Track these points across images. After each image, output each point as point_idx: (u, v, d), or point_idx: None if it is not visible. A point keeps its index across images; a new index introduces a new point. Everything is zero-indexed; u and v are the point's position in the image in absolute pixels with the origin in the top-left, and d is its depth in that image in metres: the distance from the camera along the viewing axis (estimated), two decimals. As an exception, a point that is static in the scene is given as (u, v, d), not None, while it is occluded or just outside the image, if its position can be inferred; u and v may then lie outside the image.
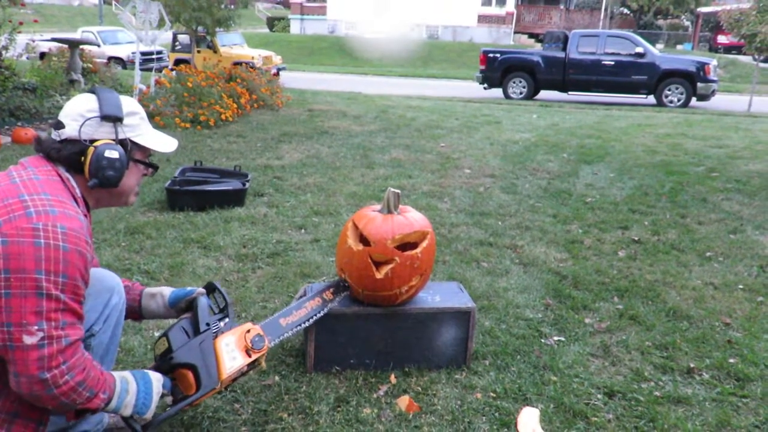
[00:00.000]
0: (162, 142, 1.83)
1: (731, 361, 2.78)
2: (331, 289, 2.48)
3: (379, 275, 2.44)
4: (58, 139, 1.66)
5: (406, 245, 2.48)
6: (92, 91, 1.74)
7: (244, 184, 4.88)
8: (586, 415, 2.35)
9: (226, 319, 1.94)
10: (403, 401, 2.37)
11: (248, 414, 2.26)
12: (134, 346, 2.66)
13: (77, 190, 1.68)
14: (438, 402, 2.39)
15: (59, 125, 1.67)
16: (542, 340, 2.91)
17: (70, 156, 1.65)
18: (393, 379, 2.52)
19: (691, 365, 2.72)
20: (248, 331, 1.93)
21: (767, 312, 3.31)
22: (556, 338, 2.94)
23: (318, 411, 2.29)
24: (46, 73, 9.73)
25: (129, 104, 1.76)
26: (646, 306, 3.33)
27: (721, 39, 29.08)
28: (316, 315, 2.33)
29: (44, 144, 1.67)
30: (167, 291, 2.05)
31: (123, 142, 1.72)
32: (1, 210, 1.48)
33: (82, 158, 1.66)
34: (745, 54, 17.31)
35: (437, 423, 2.27)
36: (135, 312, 2.06)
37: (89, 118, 1.66)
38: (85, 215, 1.67)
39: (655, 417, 2.34)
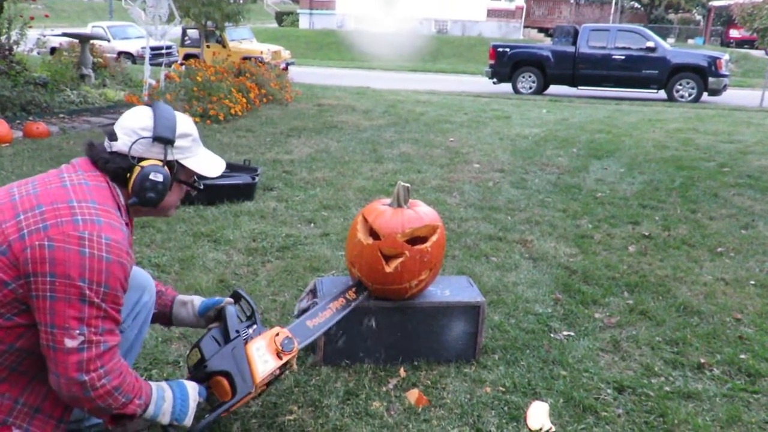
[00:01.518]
0: (209, 166, 1.85)
1: (742, 356, 2.76)
2: (353, 289, 2.50)
3: (388, 269, 2.44)
4: (108, 149, 1.69)
5: (415, 239, 2.49)
6: (151, 106, 1.77)
7: (253, 179, 4.89)
8: (596, 409, 2.34)
9: (255, 326, 1.98)
10: (413, 395, 2.37)
11: (258, 407, 2.27)
12: (145, 339, 2.67)
13: (122, 199, 1.70)
14: (447, 396, 2.40)
15: (113, 137, 1.70)
16: (552, 335, 2.91)
17: (117, 170, 1.68)
18: (402, 372, 2.53)
19: (702, 360, 2.71)
20: (277, 334, 1.97)
21: (779, 308, 3.29)
22: (565, 333, 2.93)
23: (328, 404, 2.30)
24: (57, 67, 9.77)
25: (183, 126, 1.78)
26: (657, 301, 3.31)
27: (733, 33, 28.82)
28: (340, 315, 2.36)
29: (95, 151, 1.69)
30: (198, 300, 2.10)
31: (170, 164, 1.75)
32: (51, 213, 1.52)
33: (128, 174, 1.69)
34: (757, 48, 17.17)
35: (446, 416, 2.27)
36: (165, 317, 2.10)
37: (142, 138, 1.69)
38: (127, 224, 1.70)
39: (665, 412, 2.34)
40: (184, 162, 1.78)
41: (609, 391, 2.48)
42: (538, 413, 2.31)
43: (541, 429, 2.22)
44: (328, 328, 2.28)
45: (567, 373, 2.59)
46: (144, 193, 1.69)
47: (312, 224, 4.33)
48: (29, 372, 1.62)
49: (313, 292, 2.64)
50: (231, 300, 2.07)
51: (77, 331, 1.49)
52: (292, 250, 3.82)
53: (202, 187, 1.91)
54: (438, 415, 2.28)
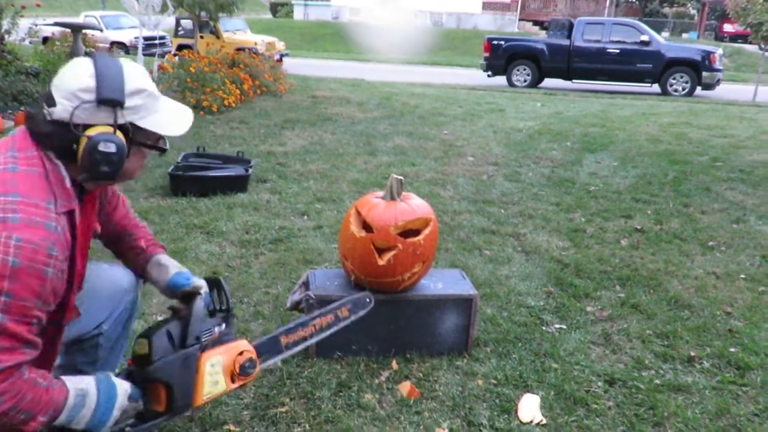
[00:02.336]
0: (171, 124, 1.59)
1: (732, 350, 2.78)
2: (349, 306, 2.26)
3: (381, 262, 2.45)
4: (48, 118, 1.44)
5: (408, 232, 2.49)
6: (92, 60, 1.48)
7: (247, 170, 4.88)
8: (587, 402, 2.36)
9: (223, 326, 1.74)
10: (405, 387, 2.38)
11: (250, 398, 2.27)
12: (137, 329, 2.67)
13: (67, 180, 1.47)
14: (439, 388, 2.41)
15: (50, 102, 1.44)
16: (543, 328, 2.92)
17: (60, 143, 1.45)
18: (395, 365, 2.54)
19: (692, 354, 2.73)
20: (241, 353, 1.71)
21: (769, 302, 3.31)
22: (557, 326, 2.95)
23: (320, 396, 2.31)
24: (49, 57, 9.69)
25: (134, 80, 1.50)
26: (648, 295, 3.33)
27: (727, 28, 28.89)
28: (323, 334, 2.10)
29: (34, 123, 1.46)
30: (172, 270, 1.84)
31: (123, 127, 1.49)
32: None
33: (75, 146, 1.45)
34: (751, 43, 17.18)
35: (438, 409, 2.28)
36: (139, 271, 1.91)
37: (84, 102, 1.43)
38: (87, 202, 1.54)
39: (655, 405, 2.35)
40: (140, 123, 1.52)
41: (600, 383, 2.50)
42: (530, 406, 2.33)
43: (532, 421, 2.24)
44: (301, 345, 2.01)
45: (558, 365, 2.60)
46: (95, 167, 1.45)
47: (305, 217, 4.33)
48: None
49: (306, 285, 2.64)
50: (204, 285, 1.80)
51: None
52: (286, 242, 3.81)
53: (167, 146, 1.66)
54: (430, 407, 2.29)
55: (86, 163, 1.46)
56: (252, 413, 2.19)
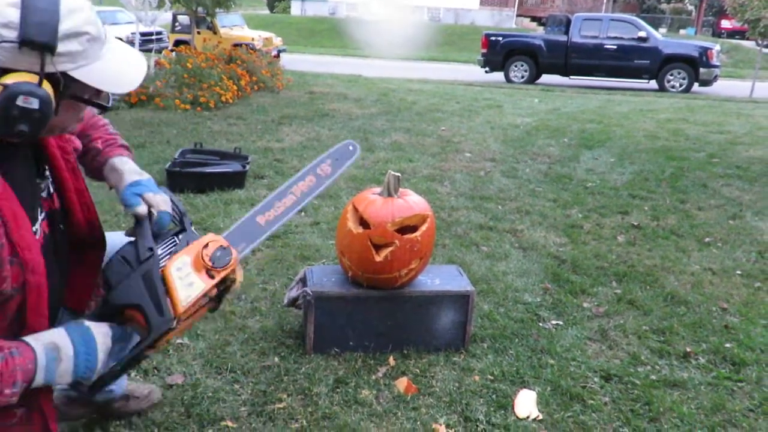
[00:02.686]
0: (116, 77, 1.30)
1: (727, 345, 2.80)
2: (329, 161, 1.95)
3: (378, 258, 2.45)
4: None
5: (405, 228, 2.49)
6: None
7: (244, 167, 4.88)
8: (583, 397, 2.37)
9: (182, 234, 1.57)
10: (402, 383, 2.39)
11: (248, 394, 2.28)
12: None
13: None
14: (436, 384, 2.41)
15: None
16: (540, 324, 2.93)
17: None
18: (392, 361, 2.54)
19: (688, 350, 2.74)
20: (206, 246, 1.50)
21: (764, 297, 3.32)
22: (554, 322, 2.96)
23: (317, 392, 2.31)
24: (45, 53, 9.66)
25: (73, 17, 1.20)
26: (644, 291, 3.34)
27: (725, 24, 28.91)
28: (306, 200, 1.82)
29: None
30: (126, 180, 1.58)
31: (53, 77, 1.21)
32: None
33: None
34: (748, 39, 17.20)
35: (435, 405, 2.29)
36: (99, 177, 1.66)
37: (3, 40, 1.14)
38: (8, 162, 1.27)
39: (651, 400, 2.36)
40: (74, 74, 1.24)
41: (596, 379, 2.51)
42: (526, 401, 2.34)
43: (528, 417, 2.25)
44: (286, 217, 1.76)
45: (555, 361, 2.61)
46: (11, 124, 1.19)
47: (302, 213, 4.33)
48: None
49: (303, 281, 2.64)
50: (145, 210, 1.56)
51: None
52: (283, 238, 3.81)
53: (110, 103, 1.39)
54: (427, 403, 2.30)
55: (1, 118, 1.18)
56: (249, 409, 2.20)
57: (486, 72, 15.28)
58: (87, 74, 1.25)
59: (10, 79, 1.15)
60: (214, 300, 1.56)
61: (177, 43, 15.96)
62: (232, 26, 16.90)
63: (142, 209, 1.53)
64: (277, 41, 17.61)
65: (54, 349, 1.29)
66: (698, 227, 4.38)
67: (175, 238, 1.55)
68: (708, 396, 2.42)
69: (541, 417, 2.25)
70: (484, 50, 15.11)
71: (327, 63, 17.67)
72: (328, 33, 28.39)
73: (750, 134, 8.36)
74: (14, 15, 1.14)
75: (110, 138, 1.68)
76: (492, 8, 31.15)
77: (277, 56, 15.19)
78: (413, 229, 2.51)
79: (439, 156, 6.27)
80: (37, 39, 1.14)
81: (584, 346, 2.76)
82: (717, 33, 30.28)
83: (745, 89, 14.18)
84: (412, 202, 2.55)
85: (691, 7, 37.63)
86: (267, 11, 37.61)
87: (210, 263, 1.48)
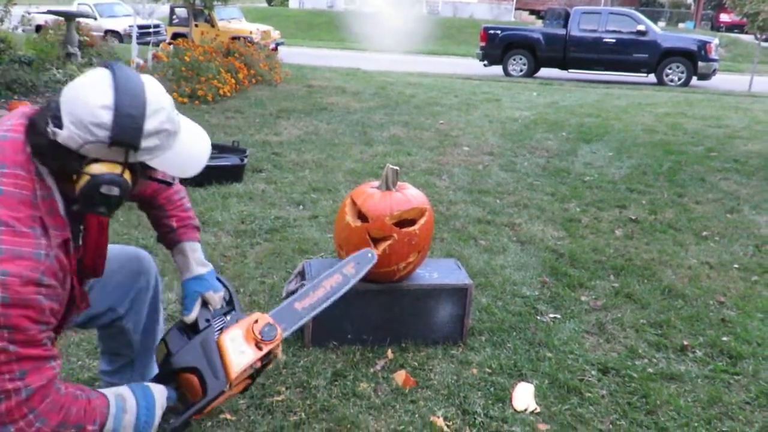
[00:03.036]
0: (185, 164, 1.44)
1: (724, 339, 2.81)
2: (352, 264, 2.18)
3: (377, 252, 2.45)
4: (52, 137, 1.27)
5: (404, 222, 2.50)
6: (111, 83, 1.29)
7: (242, 160, 4.87)
8: (580, 390, 2.38)
9: (232, 313, 1.78)
10: (400, 376, 2.40)
11: (247, 387, 2.28)
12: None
13: (60, 207, 1.35)
14: (434, 377, 2.42)
15: (57, 121, 1.28)
16: (538, 317, 2.94)
17: (59, 168, 1.32)
18: (390, 354, 2.55)
19: (685, 343, 2.76)
20: (256, 321, 1.71)
21: (761, 291, 3.34)
22: (551, 315, 2.97)
23: (315, 385, 2.32)
24: (43, 46, 9.63)
25: (156, 117, 1.33)
26: (642, 284, 3.35)
27: (724, 17, 28.86)
28: (336, 294, 2.04)
29: (34, 135, 1.31)
30: (191, 271, 1.79)
31: (132, 166, 1.35)
32: None
33: (75, 176, 1.32)
34: (747, 33, 17.18)
35: (433, 397, 2.30)
36: (168, 249, 1.86)
37: (97, 140, 1.27)
38: (66, 239, 1.38)
39: (648, 393, 2.38)
40: (151, 163, 1.37)
41: (593, 372, 2.52)
42: (524, 394, 2.35)
43: (526, 410, 2.26)
44: (320, 311, 1.98)
45: (552, 354, 2.62)
46: (92, 206, 1.34)
47: (301, 206, 4.33)
48: None
49: (302, 275, 2.65)
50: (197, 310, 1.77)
51: None
52: (281, 232, 3.82)
53: (175, 181, 1.54)
54: (425, 396, 2.31)
55: (83, 199, 1.32)
56: (248, 402, 2.21)
57: (485, 65, 15.25)
58: (161, 163, 1.39)
59: (96, 170, 1.29)
60: (254, 375, 1.73)
61: (175, 36, 15.89)
62: (230, 19, 16.83)
63: (191, 318, 1.72)
64: (275, 34, 17.55)
65: (122, 400, 1.44)
66: (696, 221, 4.39)
67: (225, 317, 1.76)
68: (705, 389, 2.43)
69: (538, 410, 2.26)
70: (483, 44, 15.07)
71: (325, 56, 17.63)
72: (326, 26, 28.30)
73: (748, 128, 8.37)
74: (107, 117, 1.26)
75: (185, 217, 1.85)
76: (491, 1, 31.05)
77: (275, 49, 15.15)
78: (411, 222, 2.51)
79: (438, 150, 6.27)
80: (125, 140, 1.28)
81: (582, 340, 2.77)
82: (716, 27, 30.22)
83: (743, 83, 14.17)
84: (410, 195, 2.56)
85: (690, 1, 37.53)
86: (265, 4, 37.45)
87: (260, 336, 1.67)
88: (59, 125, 1.27)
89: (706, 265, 3.65)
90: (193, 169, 1.46)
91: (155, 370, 2.05)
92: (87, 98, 1.27)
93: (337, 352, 2.55)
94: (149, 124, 1.31)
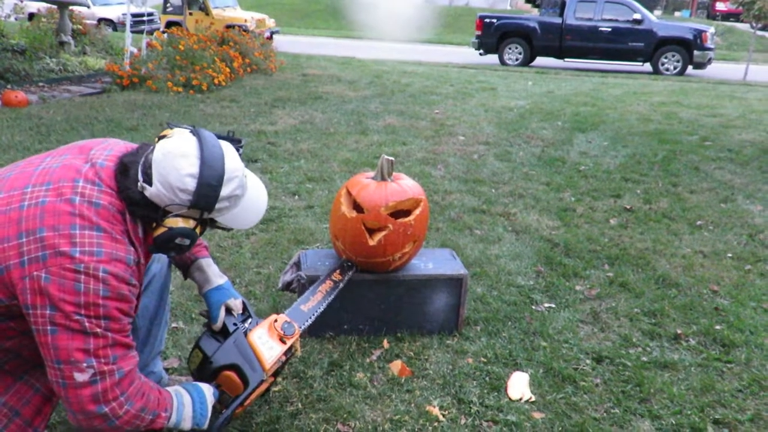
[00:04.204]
0: (245, 219, 1.71)
1: (717, 327, 2.83)
2: (338, 270, 2.51)
3: (372, 242, 2.46)
4: (140, 189, 1.51)
5: (399, 212, 2.50)
6: (198, 152, 1.52)
7: (237, 150, 4.85)
8: (575, 379, 2.40)
9: (250, 319, 1.96)
10: (396, 366, 2.41)
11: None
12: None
13: (140, 234, 1.57)
14: (430, 367, 2.44)
15: (148, 178, 1.51)
16: (533, 307, 2.96)
17: (143, 214, 1.55)
18: (386, 344, 2.56)
19: (678, 331, 2.78)
20: (275, 320, 1.94)
21: (755, 280, 3.36)
22: (546, 305, 2.98)
23: (312, 375, 2.33)
24: (36, 34, 9.56)
25: (230, 185, 1.56)
26: (636, 274, 3.37)
27: (720, 6, 28.83)
28: (330, 296, 2.37)
29: (125, 182, 1.52)
30: (211, 282, 1.96)
31: (203, 220, 1.60)
32: (50, 240, 1.42)
33: (154, 224, 1.56)
34: (742, 22, 17.15)
35: (429, 387, 2.31)
36: (184, 271, 2.02)
37: (180, 201, 1.51)
38: (141, 255, 1.59)
39: (642, 381, 2.40)
40: (218, 219, 1.64)
41: (588, 361, 2.54)
42: (519, 383, 2.36)
43: (521, 399, 2.28)
44: (320, 309, 2.28)
45: (547, 344, 2.64)
46: (165, 250, 1.59)
47: (296, 196, 4.33)
48: (15, 372, 1.61)
49: (297, 265, 2.65)
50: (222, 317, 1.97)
51: (85, 364, 1.43)
52: (277, 222, 3.82)
53: (232, 229, 1.76)
54: (421, 385, 2.32)
55: (158, 244, 1.57)
56: (244, 392, 2.21)
57: (480, 54, 15.21)
58: (226, 219, 1.66)
59: (173, 223, 1.55)
60: (278, 370, 1.95)
61: (169, 24, 15.78)
62: (225, 7, 16.71)
63: (219, 325, 1.91)
64: (270, 23, 17.44)
65: (181, 395, 1.68)
66: (690, 210, 4.41)
67: (244, 323, 1.95)
68: (698, 377, 2.45)
69: (533, 399, 2.27)
70: (479, 32, 15.01)
71: (320, 44, 17.55)
72: (321, 14, 28.15)
73: (743, 117, 8.38)
74: (191, 185, 1.51)
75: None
76: (486, -11, 30.91)
77: (270, 38, 15.06)
78: (407, 213, 2.51)
79: (433, 139, 6.26)
80: (203, 205, 1.53)
81: (576, 329, 2.78)
82: (712, 15, 30.19)
83: (738, 72, 14.17)
84: (405, 186, 2.56)
85: (686, -11, 37.42)
86: (259, -8, 37.14)
87: (282, 332, 1.92)
88: (149, 182, 1.51)
89: (700, 254, 3.67)
90: (252, 223, 1.75)
91: (159, 364, 2.08)
92: (177, 166, 1.50)
93: (334, 342, 2.56)
94: (224, 191, 1.55)
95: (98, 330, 1.44)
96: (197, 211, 1.55)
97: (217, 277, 1.97)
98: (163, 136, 1.60)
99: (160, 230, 1.55)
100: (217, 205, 1.56)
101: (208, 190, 1.51)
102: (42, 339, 1.43)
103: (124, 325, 1.50)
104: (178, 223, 1.55)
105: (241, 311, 1.97)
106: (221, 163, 1.54)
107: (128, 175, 1.52)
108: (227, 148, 1.61)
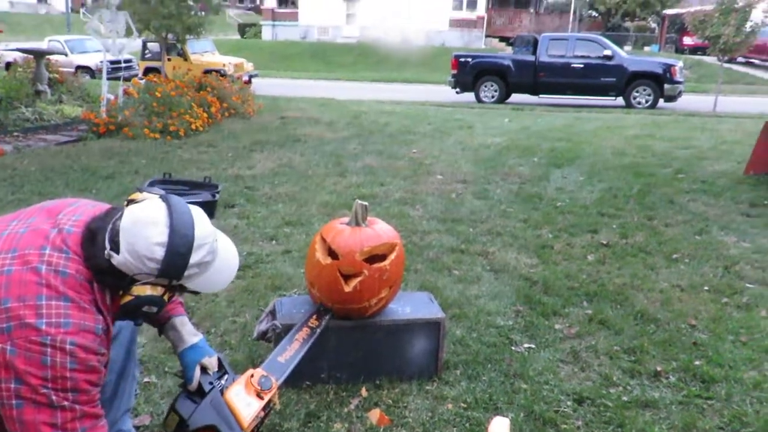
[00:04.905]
0: (214, 283, 1.68)
1: (697, 363, 2.83)
2: (315, 316, 2.48)
3: (348, 288, 2.44)
4: (107, 257, 1.48)
5: (374, 257, 2.49)
6: (167, 221, 1.50)
7: (214, 196, 4.84)
8: (556, 422, 2.37)
9: (226, 376, 1.93)
10: (374, 415, 2.37)
11: (218, 433, 2.23)
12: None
13: (108, 301, 1.54)
14: (409, 414, 2.40)
15: (115, 246, 1.48)
16: (513, 348, 2.93)
17: (110, 283, 1.52)
18: (364, 392, 2.52)
19: (658, 368, 2.77)
20: (252, 375, 1.91)
21: (732, 313, 3.38)
22: (526, 345, 2.96)
23: (288, 428, 2.28)
24: (12, 84, 9.54)
25: (199, 252, 1.53)
26: (615, 310, 3.37)
27: (687, 40, 29.61)
28: (308, 344, 2.33)
29: (92, 249, 1.50)
30: (185, 342, 1.90)
31: (172, 288, 1.58)
32: (16, 311, 1.39)
33: (121, 291, 1.54)
34: (709, 55, 17.67)
35: (408, 436, 2.27)
36: (158, 327, 1.97)
37: (148, 270, 1.49)
38: (110, 322, 1.58)
39: (623, 422, 2.37)
40: (187, 285, 1.61)
41: (569, 402, 2.51)
42: (500, 428, 2.32)
43: (502, 444, 2.23)
44: (299, 359, 2.23)
45: (528, 386, 2.61)
46: (132, 317, 1.59)
47: (274, 241, 4.30)
48: None
49: (273, 314, 2.62)
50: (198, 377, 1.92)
51: None
52: (254, 268, 3.78)
53: (199, 292, 1.73)
54: (400, 434, 2.28)
55: (125, 312, 1.55)
56: (219, 448, 2.15)
57: (457, 92, 15.45)
58: (195, 284, 1.61)
59: (140, 291, 1.52)
60: (258, 425, 1.89)
61: (147, 70, 15.89)
62: (203, 52, 16.87)
63: (194, 385, 1.85)
64: (249, 66, 17.62)
65: None
66: (666, 243, 4.45)
67: (221, 380, 1.90)
68: (679, 415, 2.44)
69: (514, 444, 2.24)
70: (455, 71, 15.28)
71: (299, 87, 17.71)
72: (300, 57, 28.50)
73: (715, 149, 8.55)
74: (159, 254, 1.48)
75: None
76: (461, 29, 31.58)
77: (249, 81, 15.18)
78: (382, 257, 2.50)
79: (411, 179, 6.30)
80: (171, 273, 1.51)
81: (557, 369, 2.76)
82: (680, 49, 30.98)
83: (708, 103, 14.52)
84: (380, 230, 2.55)
85: (654, 25, 38.55)
86: (238, 36, 37.63)
87: (259, 387, 1.88)
88: (116, 249, 1.48)
89: (677, 288, 3.69)
90: (222, 286, 1.72)
91: (128, 422, 2.02)
92: (146, 235, 1.47)
93: (311, 392, 2.51)
94: (193, 259, 1.52)
95: (66, 403, 1.41)
96: (165, 279, 1.53)
97: (191, 335, 1.93)
98: (132, 200, 1.58)
99: (127, 298, 1.53)
100: (186, 273, 1.54)
101: (177, 259, 1.49)
102: (7, 413, 1.40)
103: (93, 395, 1.48)
104: (146, 290, 1.53)
105: (217, 368, 1.92)
106: (191, 230, 1.52)
107: (95, 242, 1.50)
108: (197, 214, 1.59)
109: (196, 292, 1.69)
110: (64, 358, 1.40)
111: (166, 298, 1.57)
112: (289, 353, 2.23)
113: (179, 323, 1.93)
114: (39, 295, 1.42)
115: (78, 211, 1.60)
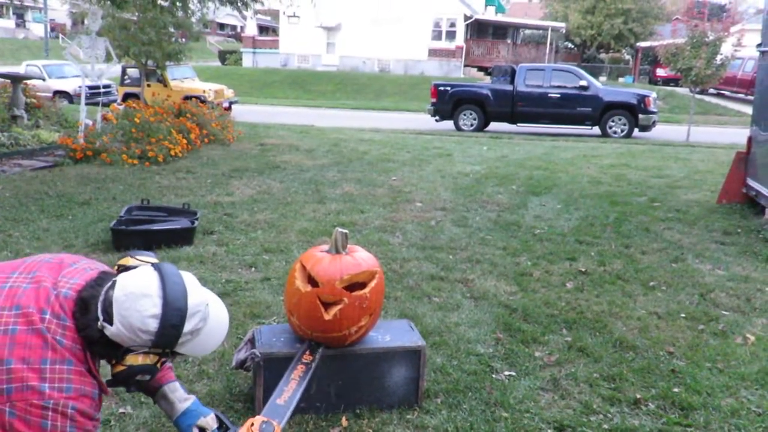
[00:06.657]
0: (204, 347, 1.66)
1: (675, 390, 2.84)
2: (308, 351, 2.46)
3: (327, 316, 2.42)
4: (100, 327, 1.49)
5: (354, 285, 2.48)
6: (160, 294, 1.50)
7: (192, 223, 4.80)
8: (537, 451, 2.36)
9: (228, 430, 1.91)
10: (354, 445, 2.33)
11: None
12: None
13: (97, 368, 1.55)
14: (389, 444, 2.37)
15: (108, 317, 1.48)
16: (493, 376, 2.93)
17: (103, 353, 1.54)
18: (344, 422, 2.49)
19: (638, 396, 2.78)
20: (252, 424, 1.88)
21: (708, 340, 3.41)
22: (506, 373, 2.96)
23: (266, 459, 2.23)
24: (-13, 109, 9.44)
25: (191, 321, 1.54)
26: (594, 337, 3.39)
27: (660, 72, 30.38)
28: (305, 381, 2.31)
29: (84, 319, 1.49)
30: (178, 409, 1.88)
31: (165, 355, 1.58)
32: (18, 373, 1.39)
33: (114, 361, 1.55)
34: (682, 86, 18.10)
35: (389, 466, 2.24)
36: (150, 395, 1.95)
37: (141, 342, 1.50)
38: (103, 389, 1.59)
39: (604, 451, 2.37)
40: (179, 350, 1.60)
41: (550, 431, 2.50)
42: (480, 458, 2.31)
43: (483, 474, 2.21)
44: (297, 397, 2.21)
45: (508, 414, 2.60)
46: (125, 386, 1.59)
47: (253, 268, 4.27)
48: None
49: (252, 342, 2.59)
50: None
51: None
52: (232, 296, 3.74)
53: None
54: (380, 465, 2.24)
55: (118, 380, 1.57)
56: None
57: (436, 121, 15.61)
58: (186, 349, 1.60)
59: (133, 360, 1.53)
60: None
61: (126, 96, 15.82)
62: (183, 78, 16.87)
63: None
64: (229, 93, 17.64)
65: None
66: (643, 271, 4.50)
67: None
68: (658, 443, 2.44)
69: (495, 474, 2.22)
70: (434, 100, 15.47)
71: (279, 114, 17.76)
72: (280, 85, 28.64)
73: (688, 178, 8.71)
74: (153, 326, 1.48)
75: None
76: (440, 59, 32.04)
77: (229, 108, 15.21)
78: (362, 285, 2.50)
79: (391, 206, 6.31)
80: (164, 344, 1.52)
81: (537, 397, 2.76)
82: (653, 80, 31.75)
83: (681, 133, 14.84)
84: (360, 258, 2.55)
85: (628, 57, 39.53)
86: (218, 63, 37.76)
87: None
88: (109, 321, 1.48)
89: (655, 315, 3.72)
90: (211, 349, 1.69)
91: None
92: (139, 308, 1.48)
93: (290, 422, 2.47)
94: (186, 328, 1.52)
95: None
96: (159, 349, 1.54)
97: (182, 401, 1.90)
98: (123, 266, 1.59)
99: (120, 368, 1.54)
100: (179, 340, 1.54)
101: (170, 331, 1.50)
102: None
103: None
104: (138, 360, 1.54)
105: (216, 425, 1.89)
106: (184, 301, 1.52)
107: (88, 311, 1.50)
108: (190, 281, 1.58)
109: (185, 356, 1.68)
110: (65, 423, 1.41)
111: (158, 365, 1.57)
112: (288, 394, 2.22)
113: (169, 390, 1.91)
114: (44, 358, 1.42)
115: (77, 274, 1.59)
